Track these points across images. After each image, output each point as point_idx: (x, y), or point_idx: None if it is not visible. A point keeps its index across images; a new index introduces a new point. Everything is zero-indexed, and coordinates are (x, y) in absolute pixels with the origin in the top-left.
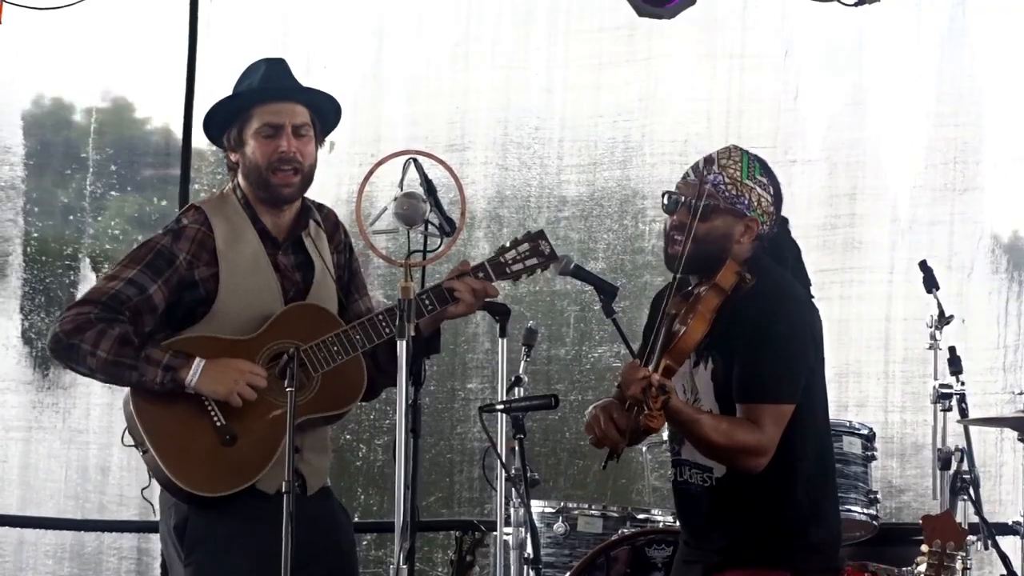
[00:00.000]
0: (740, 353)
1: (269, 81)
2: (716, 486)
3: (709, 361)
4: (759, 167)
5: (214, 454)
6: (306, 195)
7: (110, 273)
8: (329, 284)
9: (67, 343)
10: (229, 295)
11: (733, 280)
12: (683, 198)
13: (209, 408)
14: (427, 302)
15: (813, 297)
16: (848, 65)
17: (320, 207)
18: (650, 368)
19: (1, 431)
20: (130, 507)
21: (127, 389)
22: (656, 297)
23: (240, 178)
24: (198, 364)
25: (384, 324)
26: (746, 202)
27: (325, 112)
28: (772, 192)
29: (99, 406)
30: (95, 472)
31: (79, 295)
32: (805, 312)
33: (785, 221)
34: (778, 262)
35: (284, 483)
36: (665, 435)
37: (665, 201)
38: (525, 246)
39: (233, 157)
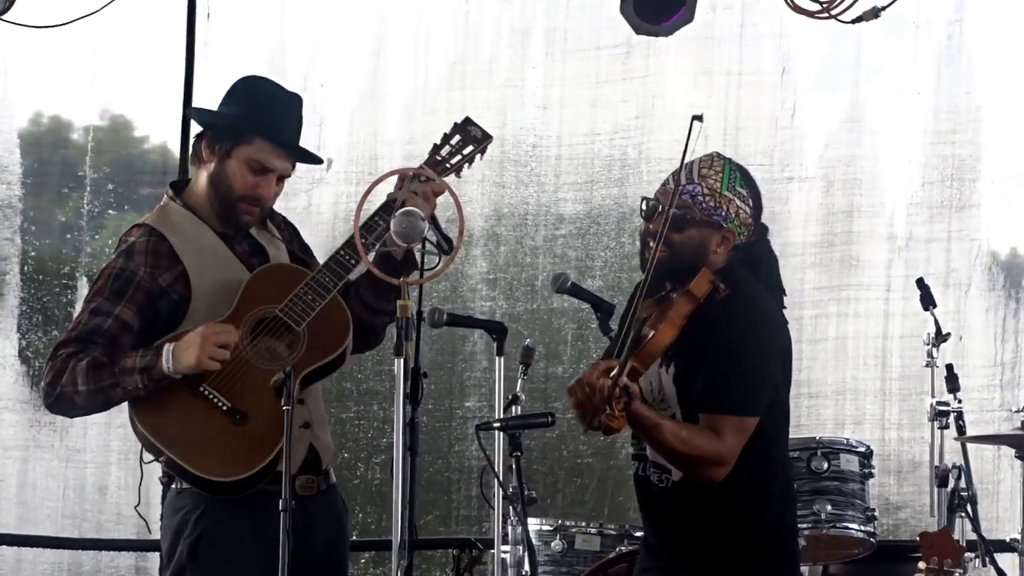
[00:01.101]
0: (706, 363)
1: (287, 123)
2: (672, 488)
3: (673, 365)
4: (740, 178)
5: (228, 437)
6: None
7: (76, 314)
8: (285, 255)
9: (55, 395)
10: (201, 290)
11: (707, 289)
12: (660, 206)
13: (209, 396)
14: (379, 221)
15: (785, 308)
16: (845, 82)
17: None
18: (616, 370)
19: None
20: (127, 526)
21: (127, 410)
22: (635, 288)
23: (200, 182)
24: (168, 349)
25: (347, 257)
26: (723, 214)
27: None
28: (752, 204)
29: (96, 425)
30: (92, 491)
31: (75, 316)
32: (776, 329)
33: (764, 229)
34: (752, 269)
35: (282, 500)
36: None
37: (643, 207)
38: (456, 137)
39: (207, 156)
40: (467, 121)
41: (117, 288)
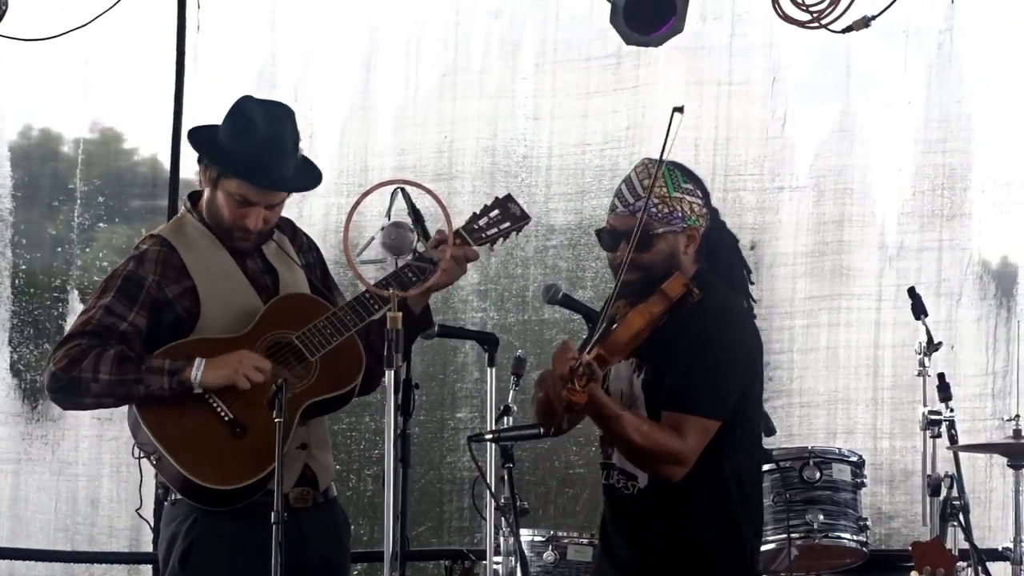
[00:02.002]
0: (674, 364)
1: (269, 160)
2: (638, 496)
3: (643, 371)
4: (681, 175)
5: (226, 447)
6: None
7: (86, 308)
8: (298, 277)
9: (66, 379)
10: (211, 305)
11: (680, 290)
12: (616, 231)
13: (214, 405)
14: (410, 275)
15: (753, 283)
16: (836, 92)
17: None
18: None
19: None
20: (120, 539)
21: (123, 410)
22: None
23: (203, 202)
24: (199, 362)
25: (372, 301)
26: (680, 215)
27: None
28: (701, 194)
29: (88, 438)
30: (84, 504)
31: (66, 329)
32: (746, 332)
33: (715, 212)
34: (714, 256)
35: (274, 513)
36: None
37: (602, 239)
38: (496, 211)
39: (203, 180)
40: (508, 198)
41: (129, 292)
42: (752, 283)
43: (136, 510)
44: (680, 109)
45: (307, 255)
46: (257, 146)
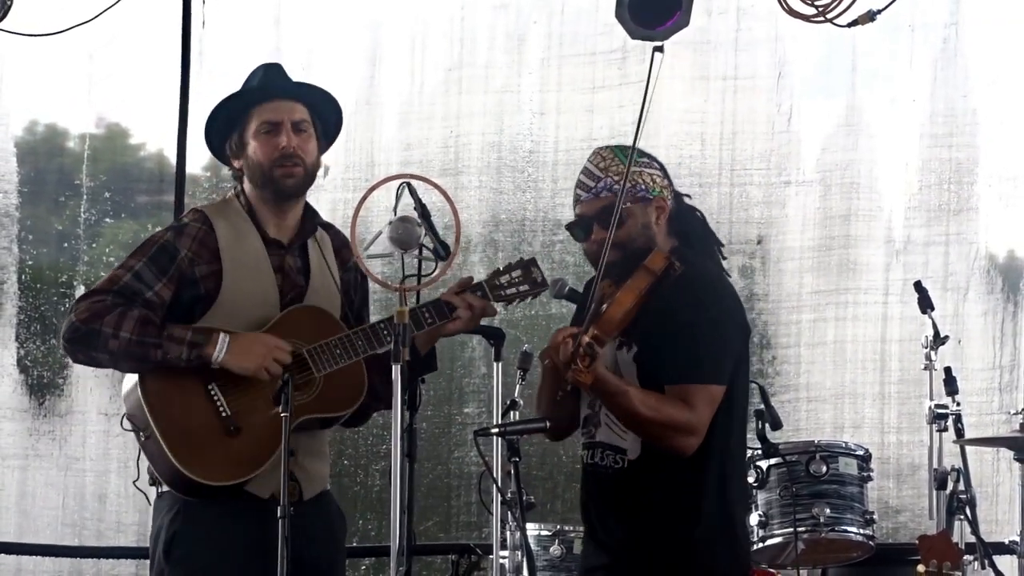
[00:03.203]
0: (669, 338)
1: (265, 81)
2: (627, 468)
3: (633, 345)
4: (634, 152)
5: (216, 443)
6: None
7: (118, 265)
8: (330, 290)
9: (86, 329)
10: (230, 294)
11: (662, 264)
12: (586, 217)
13: (215, 396)
14: (427, 315)
15: (726, 260)
16: (841, 86)
17: (329, 225)
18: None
19: None
20: (128, 534)
21: (126, 378)
22: (588, 281)
23: (246, 183)
24: (223, 339)
25: (386, 333)
26: (644, 187)
27: (325, 113)
28: (659, 166)
29: (95, 433)
30: (92, 499)
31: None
32: (732, 299)
33: (680, 196)
34: (686, 235)
35: (280, 508)
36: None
37: (575, 232)
38: (518, 272)
39: (237, 164)
40: (532, 262)
41: (162, 261)
42: (724, 257)
43: (133, 482)
44: (660, 48)
45: (348, 274)
46: (259, 78)
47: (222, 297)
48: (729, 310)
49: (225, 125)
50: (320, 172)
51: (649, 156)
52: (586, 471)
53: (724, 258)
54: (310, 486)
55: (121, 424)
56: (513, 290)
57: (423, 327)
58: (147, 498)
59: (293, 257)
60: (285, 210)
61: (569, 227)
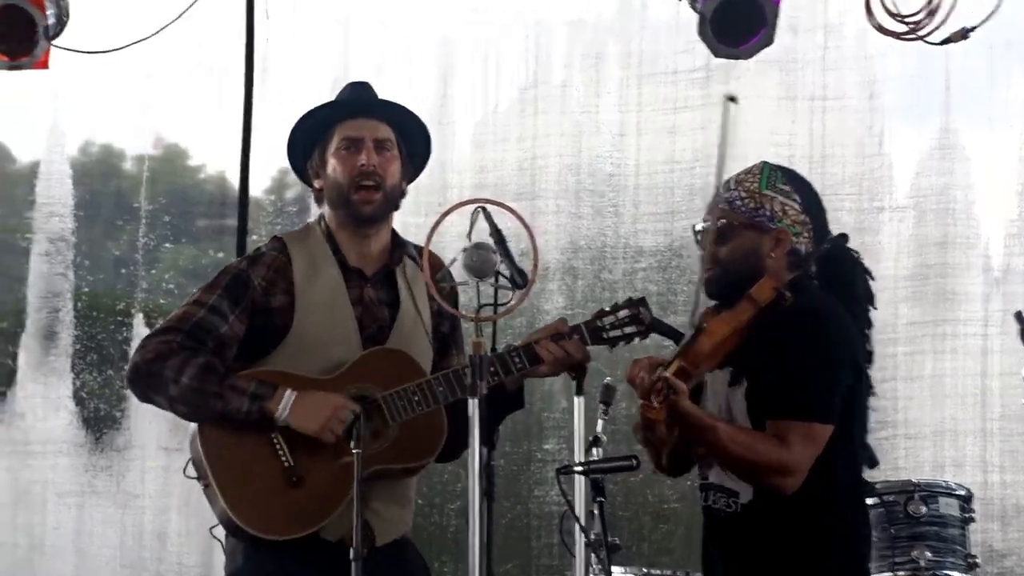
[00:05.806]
0: (770, 370)
1: (351, 97)
2: (740, 513)
3: (743, 381)
4: (782, 176)
5: (278, 495)
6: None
7: (191, 299)
8: (416, 327)
9: (147, 371)
10: (303, 329)
11: (769, 295)
12: (708, 226)
13: (278, 446)
14: (517, 360)
15: (869, 311)
16: (934, 107)
17: (419, 249)
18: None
19: (53, 496)
20: (189, 575)
21: (192, 428)
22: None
23: (325, 207)
24: (289, 396)
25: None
26: (767, 214)
27: (411, 134)
28: (800, 200)
29: (154, 469)
30: (151, 538)
31: (130, 352)
32: (846, 332)
33: (843, 237)
34: (836, 281)
35: (352, 550)
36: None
37: (696, 238)
38: (625, 312)
39: (317, 184)
40: (641, 301)
41: (236, 292)
42: (868, 310)
43: (210, 529)
44: (733, 99)
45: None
46: (344, 95)
47: (294, 331)
48: (839, 343)
49: (308, 143)
50: None
51: (796, 184)
52: (705, 514)
53: (870, 324)
54: (385, 532)
55: (184, 472)
56: (618, 332)
57: (511, 372)
58: (221, 544)
59: (376, 289)
60: (368, 236)
61: (695, 231)
